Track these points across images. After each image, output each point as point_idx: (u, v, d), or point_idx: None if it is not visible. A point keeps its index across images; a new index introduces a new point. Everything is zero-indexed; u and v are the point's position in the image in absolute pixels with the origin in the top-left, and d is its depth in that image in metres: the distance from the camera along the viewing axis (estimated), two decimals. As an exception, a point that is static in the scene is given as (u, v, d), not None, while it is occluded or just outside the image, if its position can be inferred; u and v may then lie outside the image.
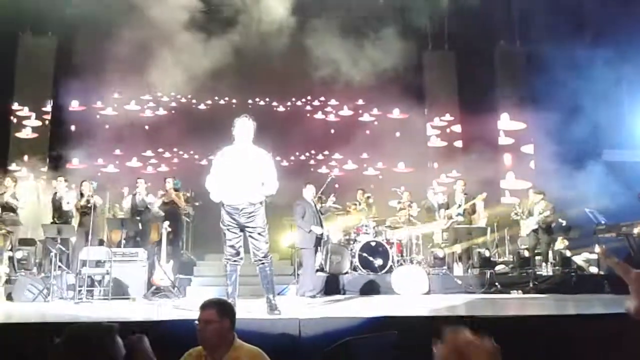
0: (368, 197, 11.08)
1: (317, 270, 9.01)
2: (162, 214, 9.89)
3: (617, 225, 9.06)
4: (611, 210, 9.87)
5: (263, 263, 5.52)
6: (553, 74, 12.60)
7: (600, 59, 11.42)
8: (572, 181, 10.93)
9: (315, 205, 8.70)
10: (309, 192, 8.63)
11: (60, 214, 9.40)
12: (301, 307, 6.41)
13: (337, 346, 4.21)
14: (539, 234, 9.78)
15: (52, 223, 9.22)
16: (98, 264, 8.36)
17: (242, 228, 5.45)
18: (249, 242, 5.53)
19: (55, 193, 9.60)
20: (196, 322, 3.07)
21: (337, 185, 12.34)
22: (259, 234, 5.46)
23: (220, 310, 3.09)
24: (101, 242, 9.62)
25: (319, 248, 8.70)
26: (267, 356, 3.11)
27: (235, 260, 5.51)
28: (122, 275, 8.41)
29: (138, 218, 9.61)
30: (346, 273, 9.28)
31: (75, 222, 9.45)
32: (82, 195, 9.33)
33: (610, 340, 4.48)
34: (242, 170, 5.39)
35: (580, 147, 11.84)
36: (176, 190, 10.12)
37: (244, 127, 5.57)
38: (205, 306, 3.12)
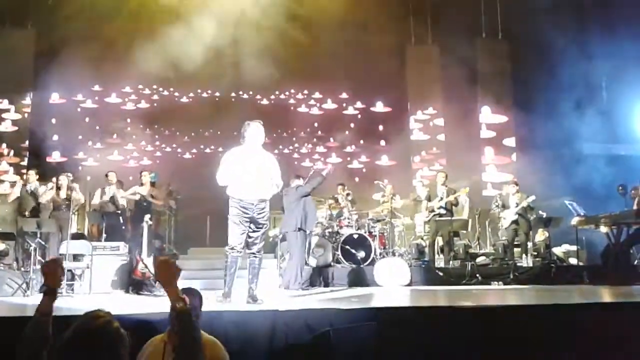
0: (348, 194, 11.07)
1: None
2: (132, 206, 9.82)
3: (596, 217, 9.17)
4: (591, 202, 10.01)
5: (255, 256, 5.99)
6: (535, 68, 12.73)
7: (581, 52, 11.53)
8: (553, 173, 11.05)
9: None
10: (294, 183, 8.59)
11: (34, 207, 9.26)
12: (280, 299, 6.45)
13: (317, 336, 4.24)
14: (519, 225, 9.86)
15: (22, 216, 9.10)
16: (77, 257, 8.28)
17: (252, 222, 5.88)
18: (249, 235, 5.92)
19: (25, 185, 9.44)
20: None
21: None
22: (263, 231, 5.99)
23: (198, 298, 3.22)
24: (79, 236, 9.48)
25: (307, 232, 8.43)
26: (223, 346, 3.18)
27: (238, 252, 5.91)
28: (103, 269, 8.34)
29: (119, 212, 9.52)
30: (329, 266, 9.30)
31: (46, 215, 9.30)
32: (59, 188, 9.17)
33: (588, 329, 4.56)
34: (256, 171, 5.88)
35: (561, 140, 11.96)
36: (152, 184, 10.02)
37: (257, 131, 6.08)
38: (185, 293, 3.14)
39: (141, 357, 3.05)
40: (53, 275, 2.44)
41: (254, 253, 5.96)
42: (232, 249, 5.88)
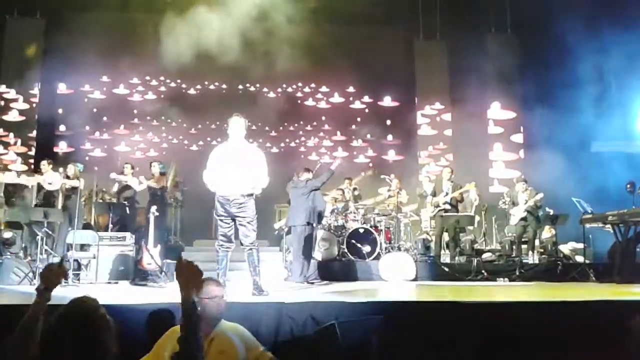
0: (355, 189, 11.05)
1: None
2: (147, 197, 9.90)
3: (603, 214, 9.12)
4: (598, 199, 9.95)
5: (251, 249, 5.97)
6: (544, 63, 12.64)
7: (592, 48, 11.43)
8: (561, 171, 10.99)
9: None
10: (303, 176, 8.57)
11: (43, 196, 9.32)
12: (286, 291, 6.46)
13: (322, 329, 4.24)
14: (527, 221, 9.84)
15: (35, 206, 9.17)
16: (84, 247, 8.32)
17: (233, 218, 5.88)
18: (239, 230, 5.93)
19: (41, 176, 9.53)
20: (199, 298, 3.12)
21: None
22: (248, 223, 5.89)
23: (221, 287, 3.33)
24: (86, 226, 9.55)
25: (314, 226, 8.40)
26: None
27: (227, 247, 5.97)
28: (109, 259, 8.38)
29: (125, 202, 9.56)
30: (334, 260, 9.30)
31: (58, 205, 9.37)
32: (68, 178, 9.26)
33: (593, 327, 4.54)
34: (235, 165, 5.83)
35: (569, 137, 11.88)
36: (162, 174, 10.09)
37: (236, 125, 5.99)
38: (210, 282, 3.27)
39: (164, 348, 3.07)
40: (54, 278, 2.42)
41: (248, 246, 5.95)
42: (221, 244, 5.96)
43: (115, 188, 9.97)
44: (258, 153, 6.06)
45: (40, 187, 9.45)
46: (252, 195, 5.91)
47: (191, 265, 2.49)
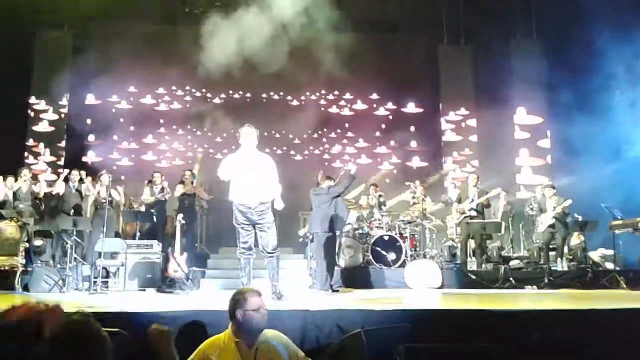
0: (380, 196, 11.02)
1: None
2: (176, 206, 10.04)
3: (634, 220, 8.95)
4: (629, 205, 9.76)
5: (272, 256, 6.18)
6: (570, 68, 12.46)
7: (618, 53, 11.26)
8: (589, 176, 10.80)
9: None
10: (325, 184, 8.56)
11: (76, 207, 9.49)
12: (311, 299, 6.46)
13: (348, 337, 4.23)
14: (555, 229, 9.69)
15: (66, 214, 9.34)
16: (113, 255, 8.45)
17: (254, 225, 6.08)
18: (259, 237, 6.13)
19: (67, 183, 9.70)
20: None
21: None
22: (268, 229, 6.09)
23: (262, 297, 3.36)
24: (117, 235, 9.71)
25: (337, 234, 8.35)
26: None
27: (249, 255, 6.18)
28: (137, 267, 8.49)
29: (153, 211, 9.69)
30: (359, 267, 9.27)
31: (89, 214, 9.54)
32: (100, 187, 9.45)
33: (623, 335, 4.45)
34: (253, 174, 6.04)
35: (598, 142, 11.68)
36: (192, 183, 10.22)
37: (248, 135, 6.27)
38: (253, 293, 3.34)
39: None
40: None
41: (270, 253, 6.14)
42: (242, 252, 6.13)
43: (152, 199, 10.03)
44: (270, 161, 6.27)
45: (71, 197, 9.62)
46: (270, 203, 6.13)
47: (163, 331, 2.75)
